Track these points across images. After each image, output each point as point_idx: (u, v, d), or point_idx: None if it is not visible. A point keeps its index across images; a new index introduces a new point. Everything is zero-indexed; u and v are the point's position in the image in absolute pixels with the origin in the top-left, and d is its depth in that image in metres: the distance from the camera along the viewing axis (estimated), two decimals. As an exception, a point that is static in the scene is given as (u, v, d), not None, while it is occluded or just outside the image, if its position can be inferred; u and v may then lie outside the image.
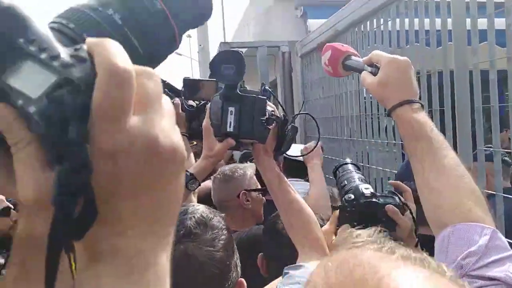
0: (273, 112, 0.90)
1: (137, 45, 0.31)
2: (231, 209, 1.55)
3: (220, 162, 2.96)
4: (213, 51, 5.12)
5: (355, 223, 0.90)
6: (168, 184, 0.27)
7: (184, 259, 0.70)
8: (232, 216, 1.53)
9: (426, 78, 1.55)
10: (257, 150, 0.90)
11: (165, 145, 0.26)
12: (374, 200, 0.91)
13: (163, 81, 1.31)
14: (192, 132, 1.35)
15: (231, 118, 0.85)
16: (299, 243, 0.87)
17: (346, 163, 1.10)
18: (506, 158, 1.50)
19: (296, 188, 0.97)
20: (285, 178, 0.91)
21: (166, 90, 1.30)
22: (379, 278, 0.32)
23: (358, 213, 0.90)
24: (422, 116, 0.72)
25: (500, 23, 1.24)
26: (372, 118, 1.95)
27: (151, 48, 0.32)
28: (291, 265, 0.79)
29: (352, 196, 0.91)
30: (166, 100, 0.28)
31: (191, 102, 1.34)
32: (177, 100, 1.32)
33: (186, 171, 0.99)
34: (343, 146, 2.24)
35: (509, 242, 1.18)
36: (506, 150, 1.39)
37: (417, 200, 0.96)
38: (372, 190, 0.93)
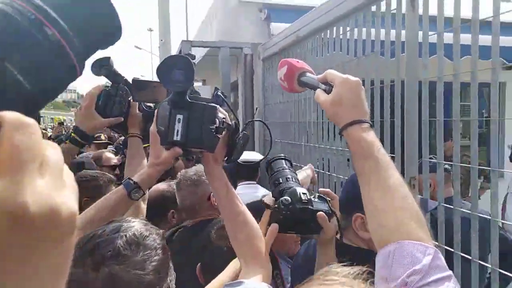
0: (224, 120, 0.88)
1: (23, 81, 0.28)
2: (203, 211, 1.59)
3: (178, 162, 2.87)
4: (174, 47, 5.00)
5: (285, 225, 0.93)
6: (46, 254, 0.23)
7: (109, 283, 0.65)
8: (204, 217, 1.57)
9: (380, 88, 1.59)
10: (206, 158, 0.87)
11: (39, 210, 0.22)
12: (309, 207, 0.93)
13: (122, 77, 1.23)
14: (146, 134, 1.29)
15: (178, 126, 0.81)
16: (242, 255, 0.86)
17: (280, 158, 1.10)
18: (447, 167, 1.57)
19: (247, 192, 0.95)
20: (233, 188, 0.89)
21: (125, 87, 1.23)
22: None
23: (291, 217, 0.92)
24: (371, 136, 0.74)
25: (450, 37, 1.30)
26: (328, 124, 1.98)
27: (43, 82, 0.29)
28: (231, 282, 0.77)
29: (289, 200, 0.92)
30: (52, 152, 0.24)
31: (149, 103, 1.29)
32: None
33: (130, 179, 0.94)
34: (302, 151, 2.27)
35: (449, 251, 1.23)
36: (448, 163, 1.45)
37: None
38: (308, 196, 0.95)
